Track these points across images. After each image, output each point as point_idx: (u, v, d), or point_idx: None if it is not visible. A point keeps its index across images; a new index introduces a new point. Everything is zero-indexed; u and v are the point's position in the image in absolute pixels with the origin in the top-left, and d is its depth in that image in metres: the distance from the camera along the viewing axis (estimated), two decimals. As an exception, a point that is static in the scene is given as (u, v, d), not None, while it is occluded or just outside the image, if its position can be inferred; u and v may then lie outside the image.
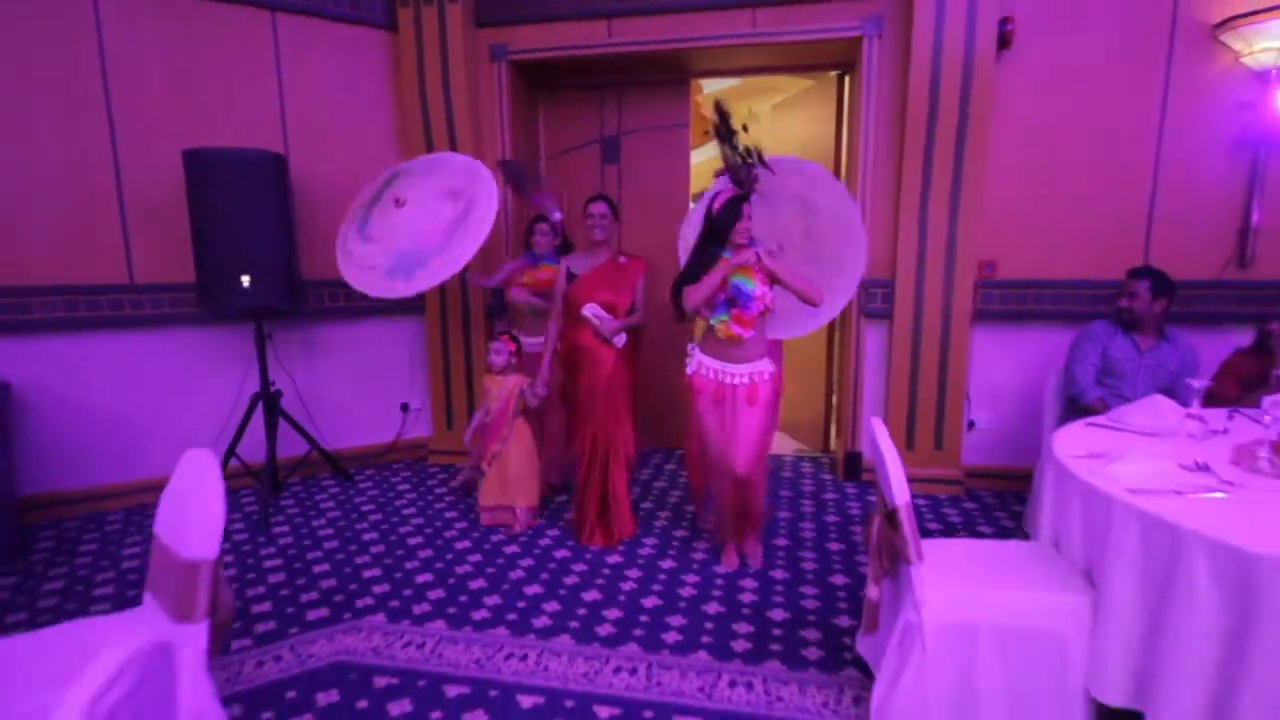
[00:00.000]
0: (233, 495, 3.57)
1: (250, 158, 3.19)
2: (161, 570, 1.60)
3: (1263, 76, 3.08)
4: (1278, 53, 3.01)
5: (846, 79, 3.91)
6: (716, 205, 2.56)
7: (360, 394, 4.03)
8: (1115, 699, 1.60)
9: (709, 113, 2.70)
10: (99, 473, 3.41)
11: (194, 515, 1.48)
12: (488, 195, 3.11)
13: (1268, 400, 2.10)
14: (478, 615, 2.44)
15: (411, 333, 4.13)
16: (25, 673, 1.44)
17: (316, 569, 2.79)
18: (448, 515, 3.36)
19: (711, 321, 2.60)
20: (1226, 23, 3.08)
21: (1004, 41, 3.23)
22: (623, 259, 3.04)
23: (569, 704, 1.96)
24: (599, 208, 3.01)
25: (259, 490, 3.45)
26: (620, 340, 2.98)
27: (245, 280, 3.20)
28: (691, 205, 3.89)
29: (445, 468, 4.05)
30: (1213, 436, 2.07)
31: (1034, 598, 1.71)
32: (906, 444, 3.59)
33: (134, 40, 3.27)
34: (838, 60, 3.80)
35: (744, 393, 2.60)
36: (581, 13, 3.72)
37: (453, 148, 3.80)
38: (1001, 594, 1.74)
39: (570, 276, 3.01)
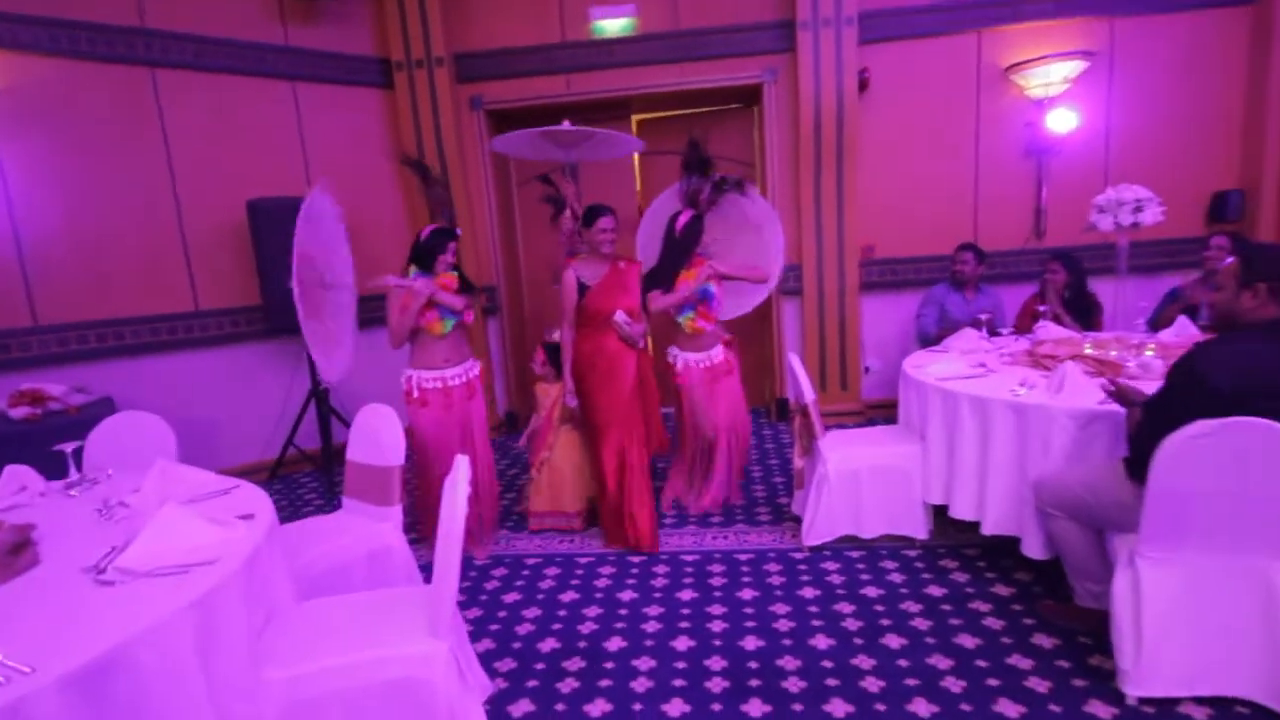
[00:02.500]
0: (294, 476, 4.39)
1: (297, 203, 4.02)
2: (359, 481, 2.51)
3: (1039, 104, 4.38)
4: (1045, 88, 4.31)
5: (755, 110, 5.04)
6: (679, 226, 3.12)
7: (385, 389, 4.88)
8: (935, 499, 2.75)
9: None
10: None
11: (386, 439, 2.40)
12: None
13: (1038, 326, 3.34)
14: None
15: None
16: (298, 539, 2.32)
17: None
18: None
19: (680, 320, 3.21)
20: (1013, 66, 4.37)
21: (863, 85, 4.42)
22: (621, 263, 3.08)
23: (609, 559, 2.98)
24: (609, 222, 3.00)
25: (317, 471, 4.28)
26: (643, 343, 3.14)
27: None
28: (638, 213, 4.90)
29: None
30: (998, 349, 3.26)
31: (891, 449, 2.86)
32: (821, 386, 4.76)
33: (186, 112, 4.03)
34: (745, 98, 4.91)
35: (702, 375, 3.25)
36: (544, 70, 4.69)
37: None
38: (873, 449, 2.89)
39: (582, 288, 3.00)
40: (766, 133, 4.66)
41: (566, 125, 3.34)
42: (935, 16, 4.43)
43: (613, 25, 4.64)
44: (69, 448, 2.08)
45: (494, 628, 2.53)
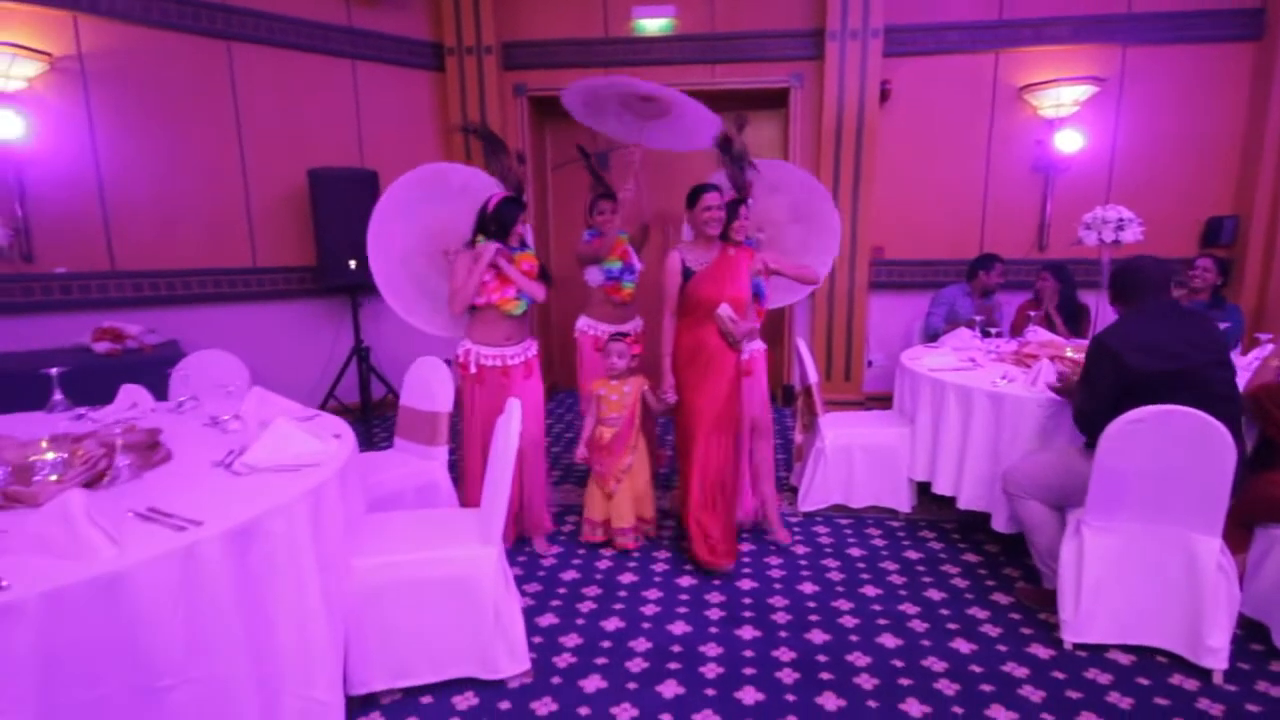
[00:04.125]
0: (332, 426, 4.75)
1: (355, 174, 4.37)
2: (410, 423, 2.85)
3: (1049, 123, 4.64)
4: (1056, 109, 4.58)
5: (782, 112, 5.32)
6: None
7: (416, 352, 5.23)
8: (920, 476, 3.08)
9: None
10: (234, 410, 4.53)
11: (438, 387, 2.74)
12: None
13: (1028, 330, 3.64)
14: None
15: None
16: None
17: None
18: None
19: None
20: (1026, 87, 4.64)
21: (884, 96, 4.70)
22: (731, 250, 2.76)
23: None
24: (714, 198, 2.67)
25: (354, 423, 4.62)
26: (752, 345, 2.89)
27: (352, 264, 4.38)
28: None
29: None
30: (989, 348, 3.56)
31: (883, 430, 3.18)
32: (826, 375, 5.07)
33: (256, 83, 4.36)
34: (773, 101, 5.19)
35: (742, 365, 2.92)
36: (585, 63, 4.99)
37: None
38: (867, 429, 3.21)
39: (687, 271, 2.72)
40: (791, 134, 4.95)
41: (653, 86, 3.01)
42: (958, 34, 4.69)
43: (653, 24, 4.92)
44: (178, 371, 2.44)
45: (555, 604, 2.53)
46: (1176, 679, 2.04)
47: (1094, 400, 2.18)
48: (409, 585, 1.91)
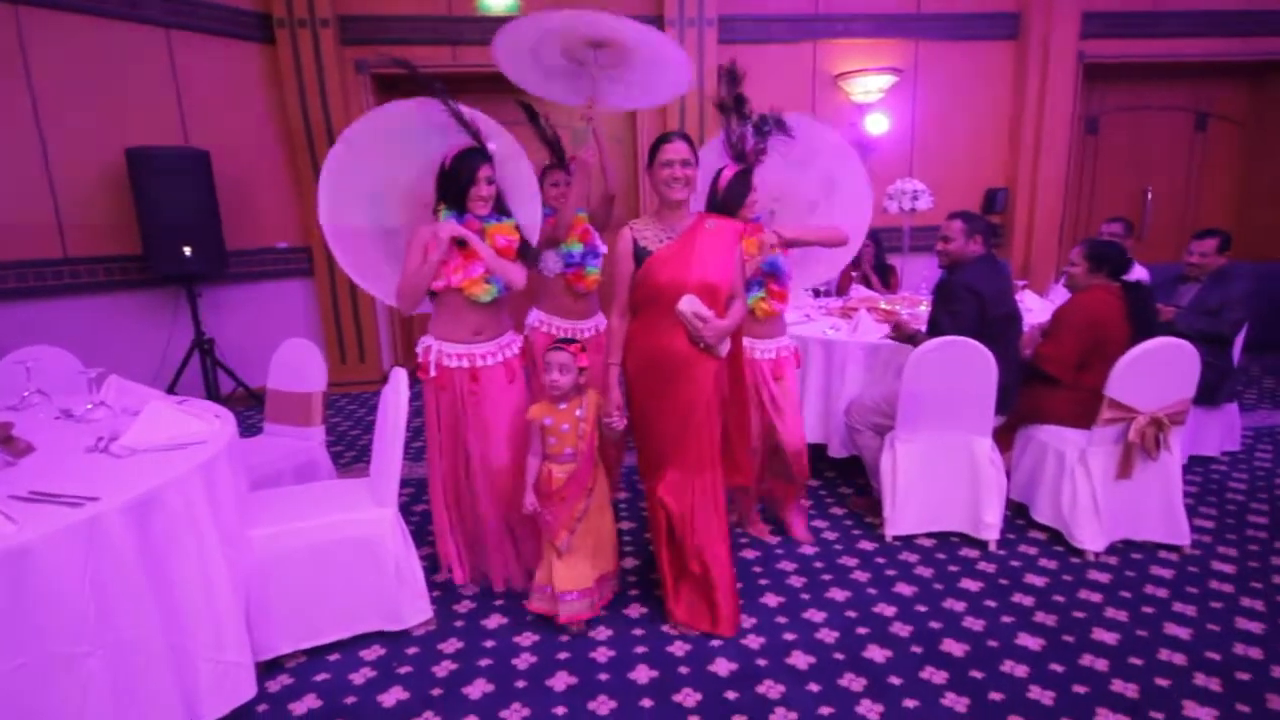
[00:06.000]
0: (176, 426, 4.43)
1: (182, 153, 4.08)
2: (281, 407, 2.82)
3: (860, 108, 5.29)
4: (865, 95, 5.22)
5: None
6: (722, 183, 2.39)
7: (268, 343, 4.98)
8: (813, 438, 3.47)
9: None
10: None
11: (309, 366, 2.73)
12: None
13: (851, 288, 4.19)
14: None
15: (305, 289, 5.12)
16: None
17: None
18: (356, 427, 4.57)
19: (750, 303, 2.46)
20: (840, 75, 5.24)
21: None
22: (710, 222, 2.11)
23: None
24: (677, 149, 2.02)
25: (204, 418, 4.36)
26: (725, 348, 2.11)
27: (187, 250, 4.10)
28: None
29: (341, 396, 5.14)
30: (819, 305, 4.06)
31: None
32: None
33: (53, 52, 3.92)
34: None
35: (769, 368, 2.57)
36: (431, 39, 4.95)
37: (330, 142, 4.83)
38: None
39: (641, 252, 2.07)
40: (638, 118, 5.23)
41: (611, 19, 2.36)
42: (781, 25, 5.19)
43: (498, 4, 4.98)
44: (21, 362, 2.26)
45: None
46: (964, 551, 2.58)
47: (959, 330, 2.55)
48: (310, 550, 1.97)
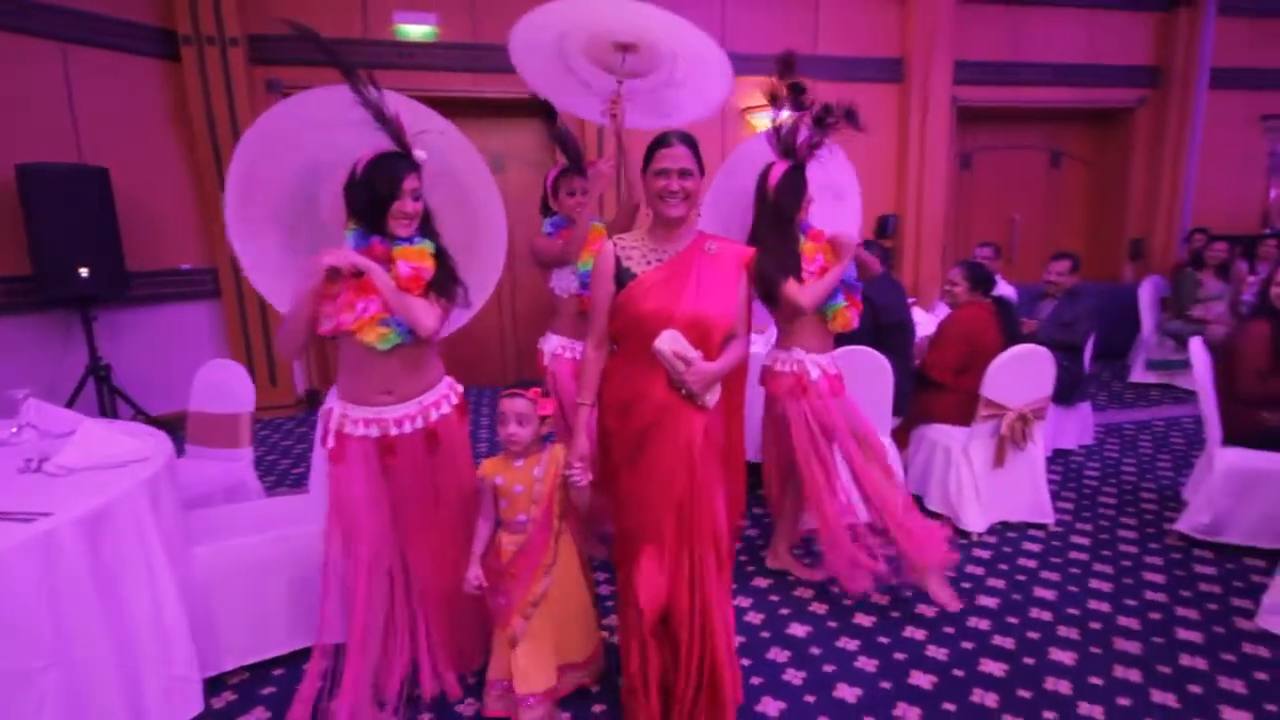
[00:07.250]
0: (69, 458, 4.16)
1: (78, 171, 3.90)
2: (204, 429, 2.76)
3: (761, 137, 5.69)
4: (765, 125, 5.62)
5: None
6: (773, 182, 2.14)
7: (171, 368, 4.75)
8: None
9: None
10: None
11: (236, 387, 2.71)
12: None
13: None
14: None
15: (212, 312, 4.94)
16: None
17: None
18: (281, 458, 4.45)
19: (828, 312, 2.30)
20: (747, 109, 5.64)
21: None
22: (711, 245, 1.72)
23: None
24: (676, 155, 1.67)
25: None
26: (713, 398, 1.69)
27: (84, 271, 3.90)
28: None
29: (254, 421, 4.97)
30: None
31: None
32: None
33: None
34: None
35: (828, 384, 2.27)
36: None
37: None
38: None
39: (624, 274, 1.68)
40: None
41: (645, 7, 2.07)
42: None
43: (415, 30, 5.05)
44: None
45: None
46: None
47: (857, 337, 2.79)
48: (255, 565, 1.98)
